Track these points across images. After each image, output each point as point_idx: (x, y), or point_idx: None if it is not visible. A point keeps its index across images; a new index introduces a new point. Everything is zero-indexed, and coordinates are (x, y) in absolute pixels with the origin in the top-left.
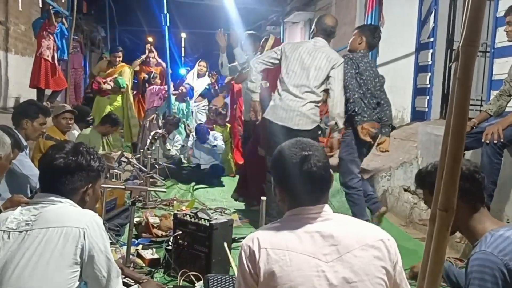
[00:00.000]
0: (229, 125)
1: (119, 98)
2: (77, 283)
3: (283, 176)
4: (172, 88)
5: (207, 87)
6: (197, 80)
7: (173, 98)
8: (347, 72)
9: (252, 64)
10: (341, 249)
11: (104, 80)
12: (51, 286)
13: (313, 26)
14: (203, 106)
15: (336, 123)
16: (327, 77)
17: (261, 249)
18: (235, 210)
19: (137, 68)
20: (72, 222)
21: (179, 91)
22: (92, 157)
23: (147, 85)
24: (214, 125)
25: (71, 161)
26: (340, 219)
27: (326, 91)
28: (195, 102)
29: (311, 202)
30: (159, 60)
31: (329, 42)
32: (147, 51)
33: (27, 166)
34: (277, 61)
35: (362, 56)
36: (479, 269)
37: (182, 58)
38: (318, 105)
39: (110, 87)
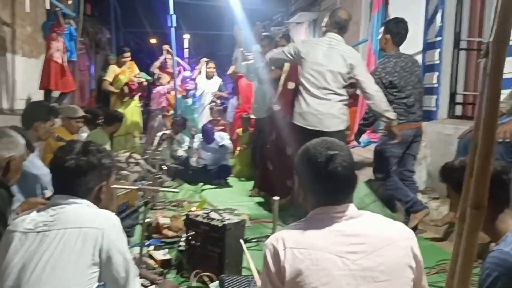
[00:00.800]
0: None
1: (136, 99)
2: (96, 284)
3: (308, 175)
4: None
5: (221, 83)
6: (207, 81)
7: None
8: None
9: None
10: (367, 247)
11: (137, 78)
12: (71, 286)
13: (326, 20)
14: (215, 104)
15: (388, 118)
16: (350, 78)
17: (287, 248)
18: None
19: (156, 70)
20: (90, 223)
21: (185, 87)
22: (102, 154)
23: (151, 86)
24: (239, 130)
25: (83, 162)
26: (366, 217)
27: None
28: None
29: (336, 201)
30: (179, 61)
31: (343, 36)
32: (164, 53)
33: (38, 166)
34: (290, 60)
35: (390, 57)
36: (493, 267)
37: (186, 60)
38: (346, 103)
39: (143, 79)
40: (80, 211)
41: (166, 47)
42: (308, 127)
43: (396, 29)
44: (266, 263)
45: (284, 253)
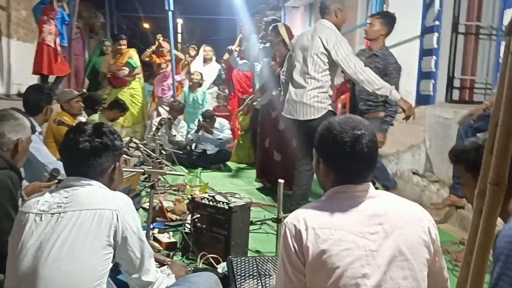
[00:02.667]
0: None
1: (136, 85)
2: (111, 264)
3: (332, 153)
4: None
5: (219, 73)
6: (204, 67)
7: (185, 87)
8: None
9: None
10: (387, 228)
11: (118, 69)
12: (87, 267)
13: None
14: (216, 93)
15: (382, 95)
16: (332, 62)
17: (309, 228)
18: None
19: (147, 58)
20: (104, 204)
21: (192, 79)
22: (115, 136)
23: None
24: (237, 112)
25: (98, 143)
26: (384, 197)
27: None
28: (208, 89)
29: (358, 180)
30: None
31: (334, 21)
32: (157, 42)
33: (44, 154)
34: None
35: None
36: (505, 245)
37: (179, 44)
38: (322, 90)
39: (127, 71)
40: (94, 193)
41: (159, 36)
42: (285, 115)
43: (394, 23)
44: (286, 242)
45: (307, 233)
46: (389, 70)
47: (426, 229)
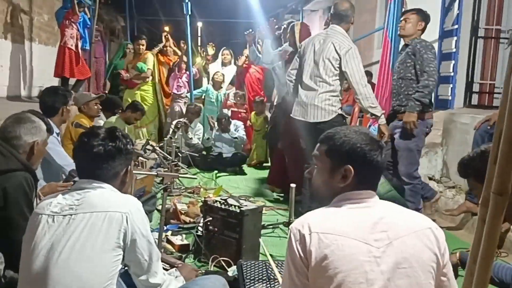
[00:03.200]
0: (265, 114)
1: (148, 87)
2: (120, 266)
3: (361, 162)
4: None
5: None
6: (223, 69)
7: (210, 87)
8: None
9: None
10: (391, 235)
11: (125, 69)
12: (97, 268)
13: (328, 14)
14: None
15: (372, 115)
16: (341, 69)
17: (312, 233)
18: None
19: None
20: (115, 207)
21: (214, 79)
22: (127, 140)
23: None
24: (253, 114)
25: (111, 147)
26: (388, 205)
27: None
28: (226, 90)
29: (365, 187)
30: (175, 49)
31: (347, 28)
32: (164, 40)
33: (62, 156)
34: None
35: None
36: None
37: (199, 48)
38: (334, 94)
39: (133, 74)
40: (106, 195)
41: (165, 33)
42: (295, 117)
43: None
44: (290, 247)
45: (310, 238)
46: (423, 60)
47: (432, 238)
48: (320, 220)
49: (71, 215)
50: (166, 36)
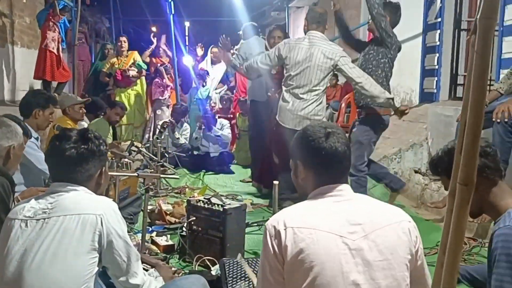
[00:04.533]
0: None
1: (139, 87)
2: (96, 268)
3: (308, 153)
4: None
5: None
6: (212, 68)
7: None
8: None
9: (253, 63)
10: (366, 228)
11: (127, 68)
12: (71, 272)
13: (304, 22)
14: (225, 92)
15: (387, 103)
16: (332, 73)
17: (287, 228)
18: (245, 198)
19: (147, 59)
20: (88, 209)
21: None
22: (100, 141)
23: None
24: (238, 114)
25: (84, 150)
26: (362, 198)
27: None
28: (216, 89)
29: (335, 179)
30: (165, 49)
31: (323, 32)
32: (155, 41)
33: (42, 161)
34: (270, 65)
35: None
36: (505, 244)
37: (186, 47)
38: (319, 102)
39: (135, 71)
40: (79, 198)
41: (152, 35)
42: (288, 127)
43: (396, 14)
44: (265, 244)
45: (285, 233)
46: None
47: (406, 230)
48: (295, 216)
49: (44, 219)
50: (155, 37)
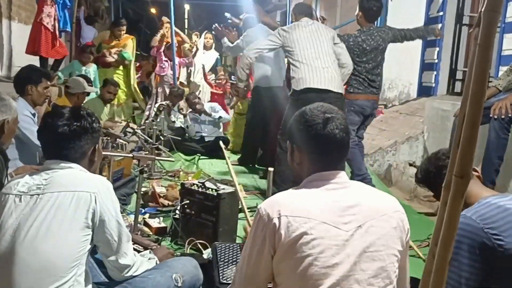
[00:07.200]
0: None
1: (121, 71)
2: (89, 246)
3: (305, 137)
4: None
5: (218, 57)
6: (204, 54)
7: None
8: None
9: (247, 54)
10: (360, 218)
11: (108, 52)
12: (64, 247)
13: (291, 17)
14: (213, 80)
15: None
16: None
17: (282, 216)
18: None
19: (157, 43)
20: (83, 187)
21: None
22: (93, 118)
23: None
24: (235, 97)
25: (76, 127)
26: (358, 187)
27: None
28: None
29: (331, 166)
30: (178, 30)
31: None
32: (163, 29)
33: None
34: (275, 47)
35: (361, 32)
36: (458, 232)
37: (186, 30)
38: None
39: (114, 59)
40: (74, 176)
41: (165, 19)
42: (321, 88)
43: (368, 6)
44: (256, 227)
45: (279, 221)
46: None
47: (399, 221)
48: (289, 203)
49: (38, 194)
50: (165, 23)
